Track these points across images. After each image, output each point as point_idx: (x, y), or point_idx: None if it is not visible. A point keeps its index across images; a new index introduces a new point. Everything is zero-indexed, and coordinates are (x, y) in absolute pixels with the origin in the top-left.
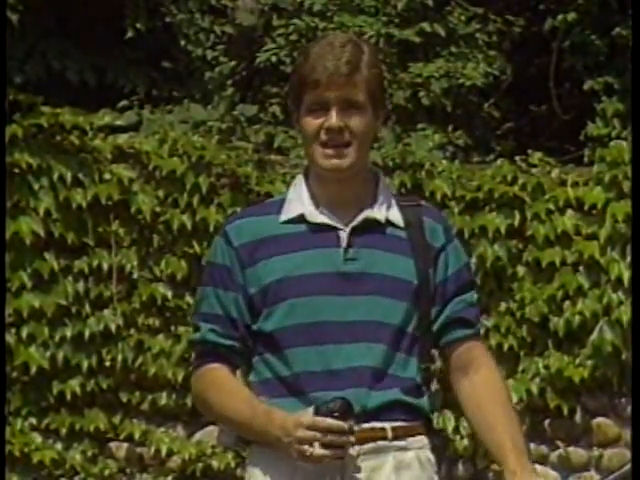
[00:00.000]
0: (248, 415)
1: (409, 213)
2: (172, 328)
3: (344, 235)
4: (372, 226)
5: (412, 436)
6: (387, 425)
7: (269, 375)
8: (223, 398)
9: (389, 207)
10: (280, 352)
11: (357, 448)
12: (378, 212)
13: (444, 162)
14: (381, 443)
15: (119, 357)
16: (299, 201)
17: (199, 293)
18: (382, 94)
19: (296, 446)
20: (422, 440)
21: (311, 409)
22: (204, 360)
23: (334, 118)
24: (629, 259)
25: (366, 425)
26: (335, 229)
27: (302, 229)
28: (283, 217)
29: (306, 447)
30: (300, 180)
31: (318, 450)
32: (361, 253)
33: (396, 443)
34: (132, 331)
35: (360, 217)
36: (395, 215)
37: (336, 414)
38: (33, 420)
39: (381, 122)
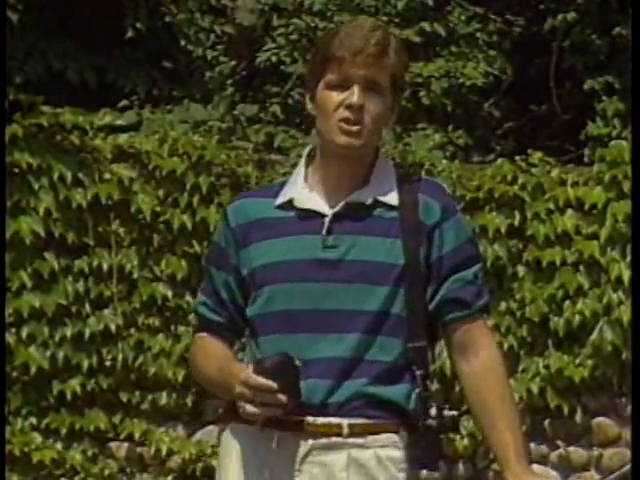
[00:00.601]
0: (217, 372)
1: (406, 191)
2: (172, 328)
3: (327, 221)
4: (358, 210)
5: (373, 434)
6: (344, 422)
7: (250, 360)
8: (204, 361)
9: (383, 186)
10: (257, 339)
11: (310, 442)
12: (367, 194)
13: (444, 162)
14: (335, 439)
15: (119, 357)
16: (294, 185)
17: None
18: (403, 84)
19: (238, 402)
20: (388, 438)
21: (251, 366)
22: (198, 330)
23: (356, 96)
24: (629, 259)
25: (322, 420)
26: (322, 215)
27: (291, 214)
28: (277, 201)
29: (241, 403)
30: (301, 163)
31: (249, 407)
32: (342, 240)
33: (352, 440)
34: (132, 331)
35: (342, 202)
36: (388, 195)
37: (269, 372)
38: (33, 420)
39: (395, 113)
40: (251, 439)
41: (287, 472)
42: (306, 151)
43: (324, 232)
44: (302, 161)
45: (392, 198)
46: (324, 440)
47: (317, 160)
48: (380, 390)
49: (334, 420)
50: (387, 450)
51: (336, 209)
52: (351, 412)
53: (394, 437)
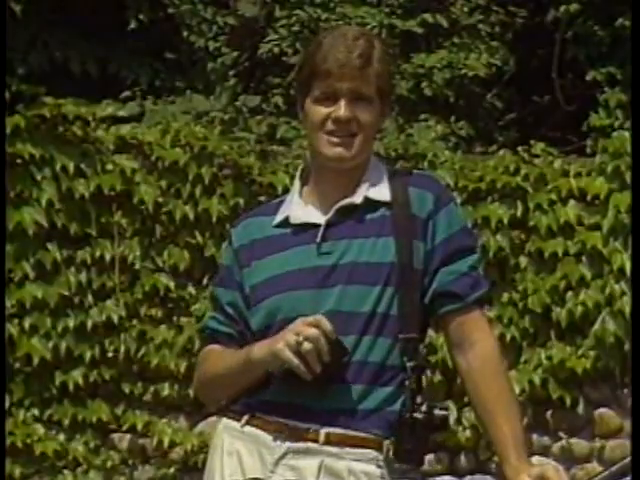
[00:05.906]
0: (234, 364)
1: (397, 186)
2: (174, 319)
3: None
4: (350, 213)
5: (351, 446)
6: (322, 430)
7: None
8: (213, 364)
9: (374, 185)
10: None
11: (287, 445)
12: (357, 196)
13: (447, 153)
14: (311, 445)
15: (122, 348)
16: (290, 203)
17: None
18: (390, 89)
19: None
20: (365, 453)
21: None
22: (204, 345)
23: (343, 109)
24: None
25: (302, 425)
26: (316, 225)
27: (288, 231)
28: (274, 220)
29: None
30: (296, 181)
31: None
32: (336, 245)
33: (327, 448)
34: (134, 322)
35: (333, 209)
36: (379, 192)
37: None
38: (36, 411)
39: (386, 117)
40: (236, 436)
41: (262, 472)
42: (300, 168)
43: (318, 240)
44: (297, 179)
45: (383, 195)
46: (300, 445)
47: (312, 175)
48: (367, 397)
49: (313, 426)
50: (363, 464)
51: (328, 216)
52: (332, 421)
53: (374, 453)
